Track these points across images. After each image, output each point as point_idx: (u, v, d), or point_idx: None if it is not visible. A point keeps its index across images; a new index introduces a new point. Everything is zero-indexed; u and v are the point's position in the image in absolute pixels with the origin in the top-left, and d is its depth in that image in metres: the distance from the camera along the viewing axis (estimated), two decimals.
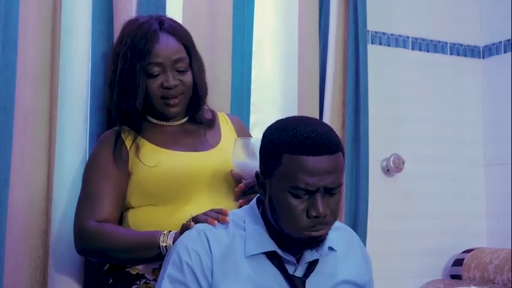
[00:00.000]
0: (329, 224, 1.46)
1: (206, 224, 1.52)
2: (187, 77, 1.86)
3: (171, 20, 1.93)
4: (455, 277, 2.75)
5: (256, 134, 2.12)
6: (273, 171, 1.44)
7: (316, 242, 1.47)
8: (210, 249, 1.46)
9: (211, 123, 1.96)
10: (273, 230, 1.49)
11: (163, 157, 1.82)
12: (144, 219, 1.80)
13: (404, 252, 2.76)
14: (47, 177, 1.97)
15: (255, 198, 1.57)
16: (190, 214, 1.61)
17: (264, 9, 2.38)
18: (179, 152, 1.85)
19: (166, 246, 1.62)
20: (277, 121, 1.53)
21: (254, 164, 1.65)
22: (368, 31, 2.62)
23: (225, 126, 1.99)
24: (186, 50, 1.88)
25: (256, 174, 1.51)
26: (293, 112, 2.36)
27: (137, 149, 1.83)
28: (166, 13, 2.12)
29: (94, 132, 2.05)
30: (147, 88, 1.83)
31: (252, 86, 2.34)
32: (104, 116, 2.06)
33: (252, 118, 2.31)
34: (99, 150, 1.86)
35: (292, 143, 1.41)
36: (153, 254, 1.65)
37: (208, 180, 1.83)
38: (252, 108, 2.32)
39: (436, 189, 2.88)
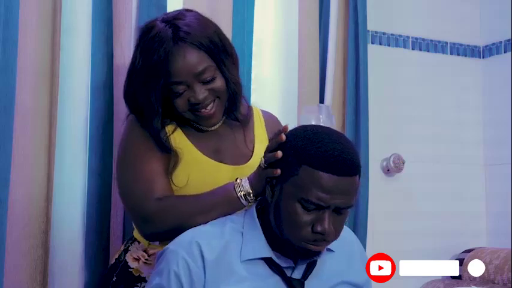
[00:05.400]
0: (329, 242, 1.45)
1: (199, 229, 1.49)
2: (217, 83, 1.67)
3: (186, 23, 1.65)
4: (455, 277, 2.75)
5: None
6: (289, 177, 1.41)
7: (311, 255, 1.46)
8: (202, 255, 1.43)
9: (247, 121, 1.82)
10: (271, 234, 1.47)
11: (195, 167, 1.69)
12: None
13: (404, 252, 2.75)
14: (47, 177, 1.97)
15: (254, 204, 1.54)
16: None
17: (264, 9, 2.38)
18: (211, 161, 1.71)
19: (245, 194, 1.55)
20: (303, 127, 1.49)
21: None
22: (368, 31, 2.62)
23: (258, 126, 1.85)
24: (209, 55, 1.65)
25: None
26: (293, 112, 2.37)
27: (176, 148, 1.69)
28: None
29: (94, 132, 2.05)
30: (175, 106, 1.67)
31: (252, 86, 2.34)
32: (104, 116, 2.06)
33: None
34: (135, 133, 1.69)
35: (315, 156, 1.38)
36: (235, 207, 1.57)
37: None
38: None
39: (436, 189, 2.88)
